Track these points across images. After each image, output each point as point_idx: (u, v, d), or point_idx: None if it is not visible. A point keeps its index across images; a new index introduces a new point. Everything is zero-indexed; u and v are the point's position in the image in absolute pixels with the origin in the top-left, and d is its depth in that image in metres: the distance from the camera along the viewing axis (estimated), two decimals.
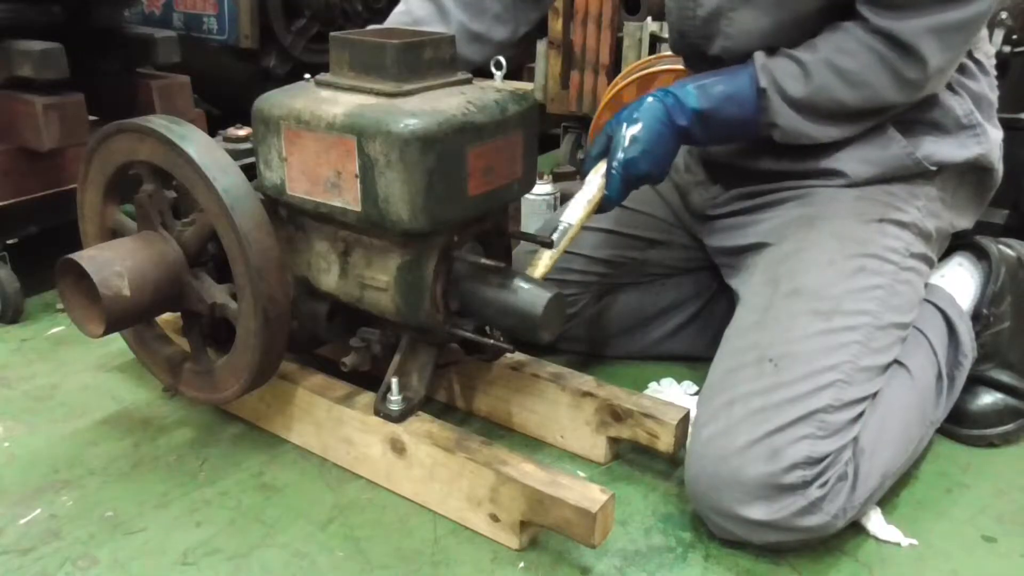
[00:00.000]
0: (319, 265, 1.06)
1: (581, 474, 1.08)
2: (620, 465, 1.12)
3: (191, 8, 2.22)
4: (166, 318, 1.23)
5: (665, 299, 1.36)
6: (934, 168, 1.08)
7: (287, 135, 0.97)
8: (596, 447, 1.12)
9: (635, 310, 1.35)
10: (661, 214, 1.31)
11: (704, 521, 0.98)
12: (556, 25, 2.10)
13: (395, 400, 1.03)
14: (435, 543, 0.97)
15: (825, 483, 0.91)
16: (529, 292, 0.97)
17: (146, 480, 1.07)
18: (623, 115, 1.06)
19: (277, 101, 0.99)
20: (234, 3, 2.14)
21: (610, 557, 0.95)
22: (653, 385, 1.28)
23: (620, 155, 1.04)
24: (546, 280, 1.03)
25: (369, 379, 1.10)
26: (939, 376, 1.08)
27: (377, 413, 1.04)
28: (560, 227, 1.06)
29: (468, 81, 1.03)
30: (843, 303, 0.99)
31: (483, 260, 0.99)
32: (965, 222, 1.18)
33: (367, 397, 1.08)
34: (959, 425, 1.16)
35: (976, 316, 1.17)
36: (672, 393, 1.25)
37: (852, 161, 1.09)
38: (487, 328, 1.11)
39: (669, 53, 1.44)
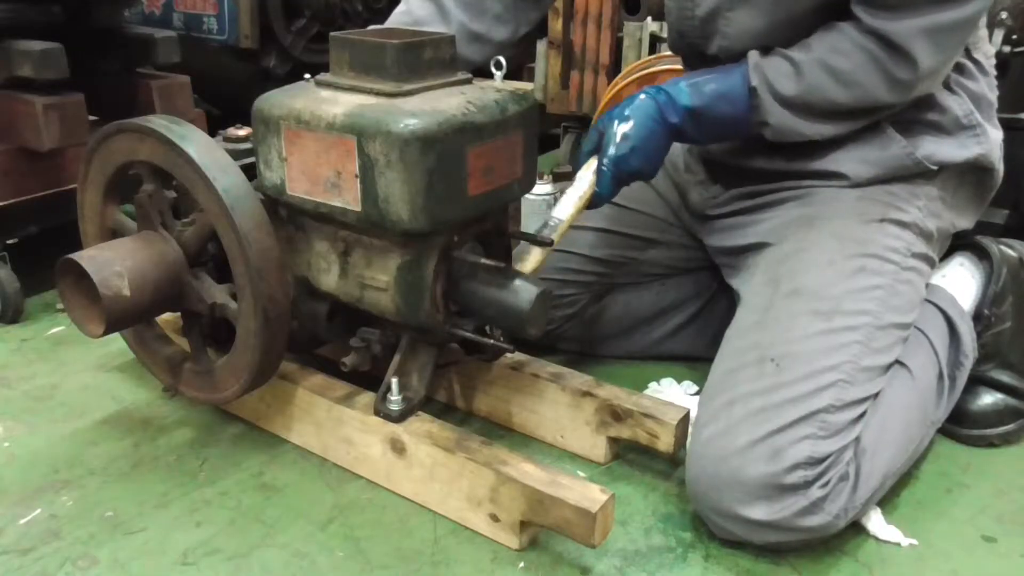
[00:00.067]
0: (319, 265, 1.06)
1: (581, 474, 1.08)
2: (620, 465, 1.12)
3: (191, 8, 2.22)
4: (166, 318, 1.23)
5: (665, 299, 1.36)
6: (934, 168, 1.08)
7: (287, 135, 0.97)
8: (596, 447, 1.12)
9: (635, 310, 1.35)
10: (661, 214, 1.31)
11: (704, 521, 0.98)
12: (556, 25, 2.10)
13: (395, 400, 1.03)
14: (435, 543, 0.97)
15: (826, 483, 0.91)
16: (517, 287, 0.98)
17: (146, 480, 1.07)
18: (615, 112, 1.06)
19: (277, 101, 0.99)
20: (234, 3, 2.14)
21: (610, 557, 0.95)
22: (653, 385, 1.28)
23: (611, 152, 1.04)
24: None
25: (369, 379, 1.10)
26: (940, 376, 1.08)
27: (377, 413, 1.04)
28: (550, 223, 1.06)
29: (468, 81, 1.03)
30: (844, 303, 0.99)
31: (483, 260, 0.99)
32: (966, 222, 1.18)
33: (367, 397, 1.08)
34: (959, 425, 1.16)
35: (977, 316, 1.17)
36: (672, 393, 1.25)
37: (852, 162, 1.09)
38: (487, 328, 1.11)
39: (669, 53, 1.44)
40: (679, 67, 1.39)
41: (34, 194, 1.52)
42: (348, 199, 0.95)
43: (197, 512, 1.01)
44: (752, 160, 1.16)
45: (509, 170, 1.01)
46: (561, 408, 1.13)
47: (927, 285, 1.12)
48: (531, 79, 2.27)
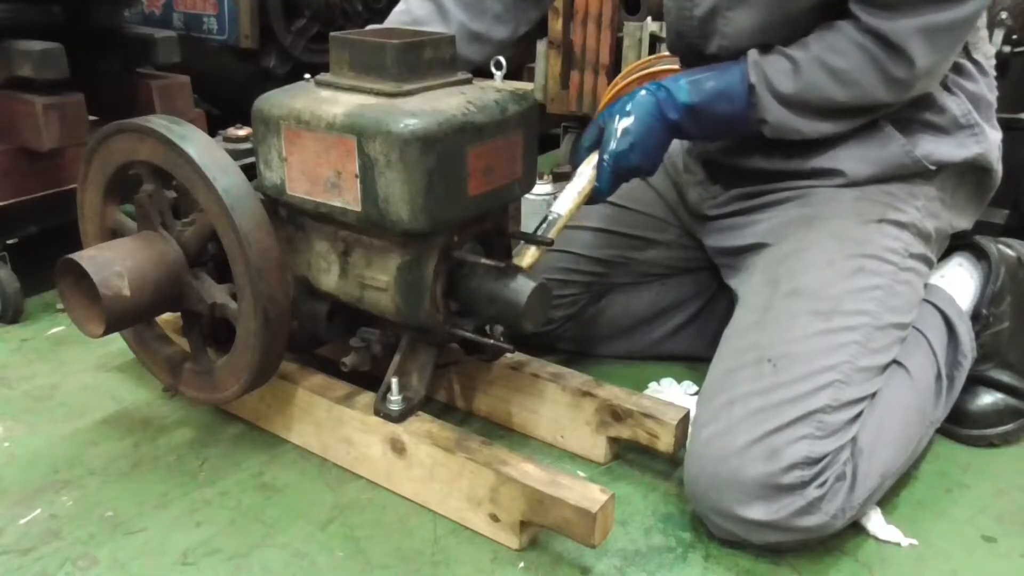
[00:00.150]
0: (319, 265, 1.06)
1: (581, 474, 1.09)
2: (620, 465, 1.12)
3: (191, 8, 2.22)
4: (166, 318, 1.23)
5: (665, 299, 1.36)
6: (933, 167, 1.08)
7: (287, 135, 0.97)
8: (596, 447, 1.12)
9: (635, 310, 1.35)
10: (660, 214, 1.31)
11: (704, 521, 0.98)
12: (556, 25, 2.10)
13: (395, 400, 1.03)
14: (435, 543, 0.97)
15: (823, 483, 0.91)
16: (514, 281, 0.98)
17: (146, 480, 1.07)
18: (615, 108, 1.06)
19: (277, 101, 0.99)
20: (234, 3, 2.14)
21: (610, 557, 0.96)
22: (653, 385, 1.28)
23: (611, 147, 1.05)
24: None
25: (369, 379, 1.10)
26: (938, 376, 1.08)
27: (377, 413, 1.04)
28: (549, 218, 1.06)
29: (468, 81, 1.03)
30: (842, 303, 0.99)
31: (483, 260, 0.99)
32: (964, 222, 1.18)
33: (367, 397, 1.08)
34: (959, 425, 1.16)
35: (976, 316, 1.17)
36: (672, 393, 1.25)
37: (851, 160, 1.09)
38: (487, 328, 1.11)
39: (668, 53, 1.44)
40: (679, 67, 1.39)
41: (34, 194, 1.52)
42: (348, 199, 0.95)
43: (197, 512, 1.01)
44: (751, 160, 1.16)
45: (509, 170, 1.01)
46: (561, 408, 1.13)
47: (925, 285, 1.12)
48: (531, 79, 2.27)
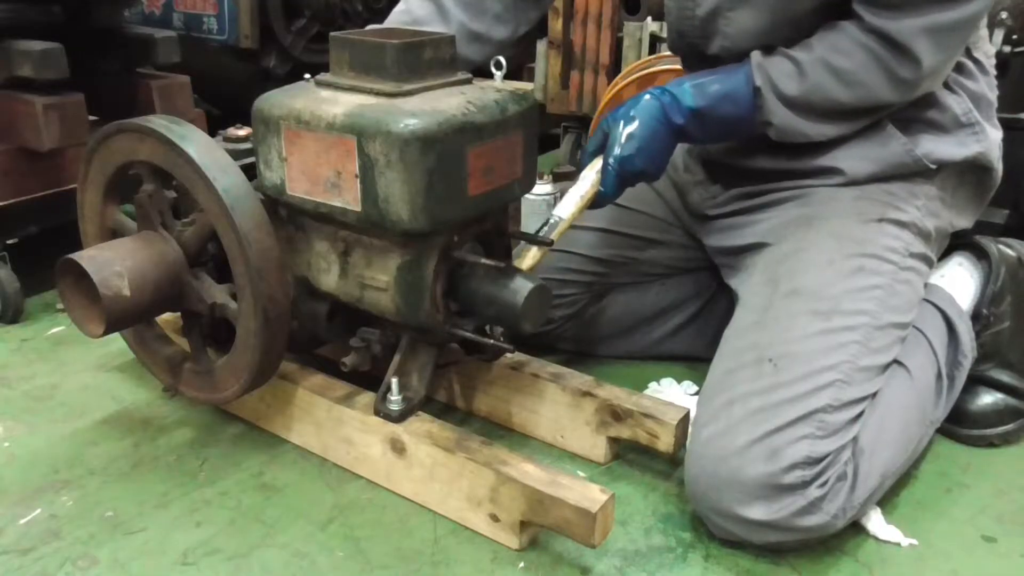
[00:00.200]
0: (319, 265, 1.06)
1: (581, 474, 1.08)
2: (620, 465, 1.12)
3: (191, 8, 2.22)
4: (166, 318, 1.23)
5: (665, 299, 1.36)
6: (934, 166, 1.08)
7: (287, 135, 0.97)
8: (596, 447, 1.12)
9: (635, 310, 1.35)
10: (660, 213, 1.31)
11: (704, 521, 0.98)
12: (556, 25, 2.10)
13: (395, 400, 1.03)
14: (435, 543, 0.97)
15: (824, 483, 0.91)
16: (512, 282, 0.98)
17: (146, 480, 1.07)
18: (620, 112, 1.06)
19: (277, 101, 0.99)
20: (234, 3, 2.14)
21: (610, 557, 0.96)
22: (653, 385, 1.28)
23: (616, 152, 1.04)
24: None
25: (369, 379, 1.10)
26: (939, 376, 1.08)
27: (377, 413, 1.04)
28: (551, 220, 1.06)
29: (468, 81, 1.03)
30: (842, 303, 0.99)
31: (483, 260, 0.99)
32: (965, 222, 1.18)
33: (367, 397, 1.08)
34: (959, 425, 1.16)
35: (976, 316, 1.17)
36: (672, 393, 1.25)
37: (851, 159, 1.09)
38: (487, 328, 1.11)
39: (669, 53, 1.44)
40: (679, 67, 1.39)
41: (34, 194, 1.52)
42: (348, 199, 0.95)
43: (197, 512, 1.01)
44: (751, 159, 1.16)
45: (509, 170, 1.01)
46: (561, 408, 1.13)
47: (926, 285, 1.12)
48: (531, 79, 2.27)
